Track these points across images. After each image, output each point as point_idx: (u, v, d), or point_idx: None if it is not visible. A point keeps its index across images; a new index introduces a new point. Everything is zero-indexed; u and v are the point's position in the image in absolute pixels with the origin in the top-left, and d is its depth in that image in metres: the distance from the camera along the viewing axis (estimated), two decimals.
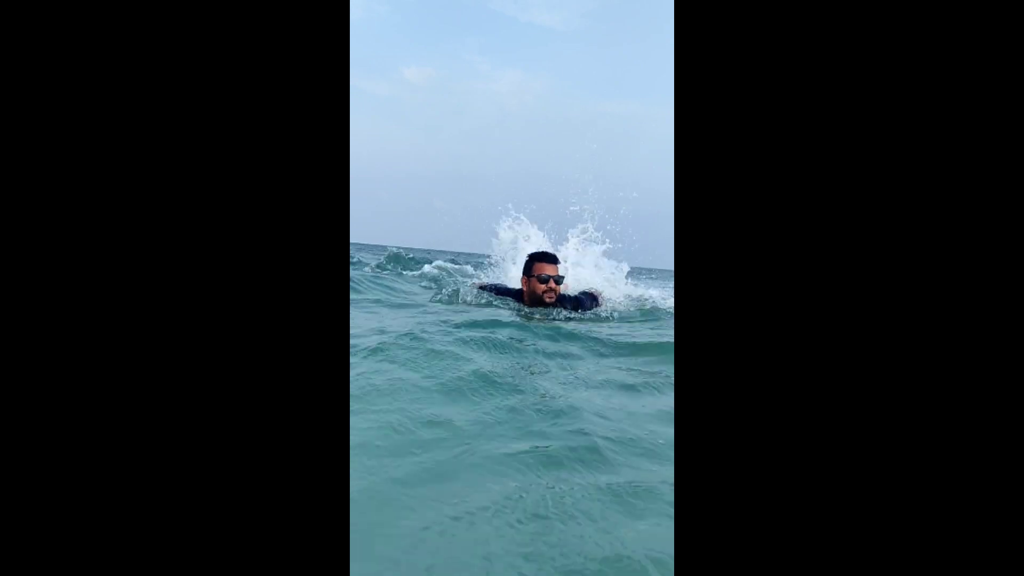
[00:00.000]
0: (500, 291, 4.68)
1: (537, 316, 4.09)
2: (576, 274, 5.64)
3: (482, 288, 4.85)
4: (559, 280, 4.28)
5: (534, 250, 4.74)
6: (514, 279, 5.49)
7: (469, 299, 4.69)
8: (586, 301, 4.51)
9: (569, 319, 4.08)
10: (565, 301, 4.38)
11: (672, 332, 3.68)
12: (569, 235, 6.20)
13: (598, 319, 4.29)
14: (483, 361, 2.61)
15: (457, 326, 3.35)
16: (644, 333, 3.80)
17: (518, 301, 4.47)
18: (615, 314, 4.47)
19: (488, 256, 6.47)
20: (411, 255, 10.93)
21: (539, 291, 4.24)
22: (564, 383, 2.38)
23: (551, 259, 4.35)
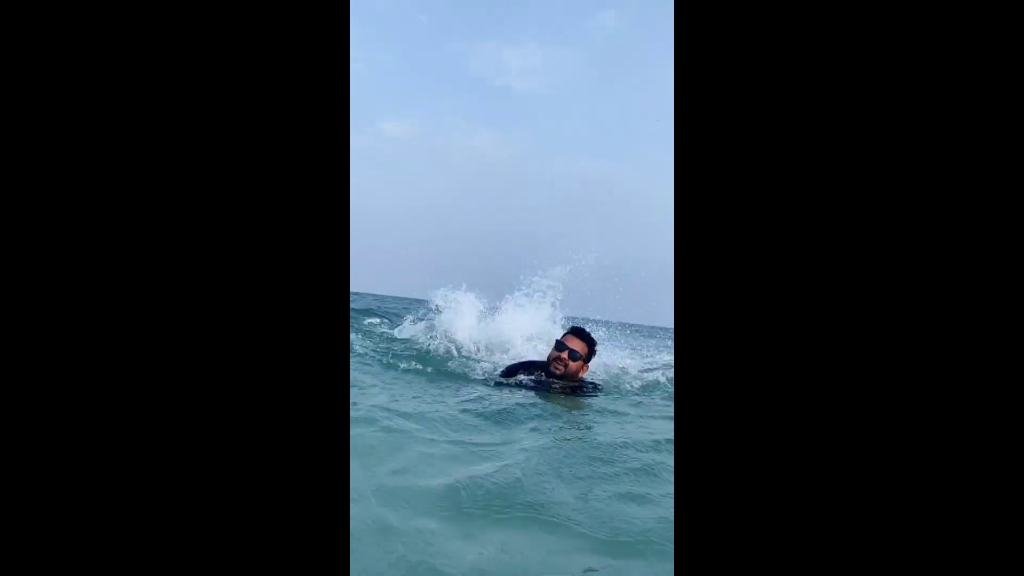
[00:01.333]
0: (524, 365, 4.24)
1: (556, 386, 3.84)
2: (515, 323, 5.52)
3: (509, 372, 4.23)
4: (574, 356, 3.91)
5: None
6: (462, 328, 5.41)
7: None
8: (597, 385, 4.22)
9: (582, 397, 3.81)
10: (583, 386, 4.02)
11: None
12: (511, 297, 5.99)
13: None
14: None
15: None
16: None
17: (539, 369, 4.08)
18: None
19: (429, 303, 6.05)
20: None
21: (551, 359, 3.95)
22: None
23: (574, 332, 4.03)
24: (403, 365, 4.25)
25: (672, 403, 3.58)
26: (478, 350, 5.26)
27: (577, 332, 4.04)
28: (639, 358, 5.55)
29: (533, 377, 3.97)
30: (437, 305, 5.91)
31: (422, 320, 6.05)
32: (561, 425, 2.80)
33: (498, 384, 3.94)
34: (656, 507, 1.66)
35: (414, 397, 3.15)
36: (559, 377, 3.89)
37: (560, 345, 3.95)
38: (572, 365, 3.90)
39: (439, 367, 4.38)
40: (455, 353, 4.95)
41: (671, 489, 1.78)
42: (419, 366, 4.28)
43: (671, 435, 2.54)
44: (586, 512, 1.56)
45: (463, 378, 4.08)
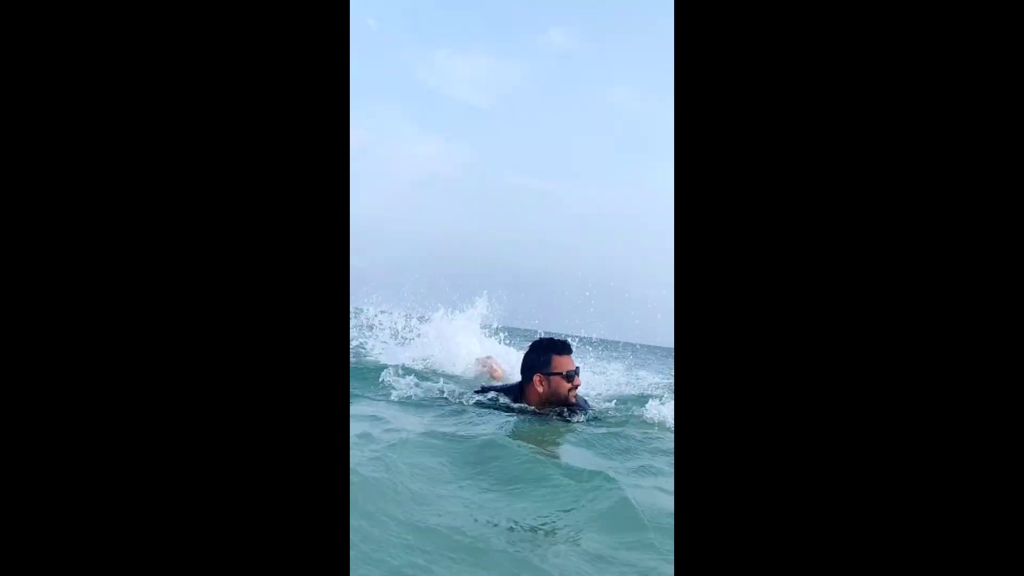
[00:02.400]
0: (486, 389, 3.70)
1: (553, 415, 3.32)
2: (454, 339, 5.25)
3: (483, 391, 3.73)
4: (577, 371, 3.42)
5: (536, 338, 3.80)
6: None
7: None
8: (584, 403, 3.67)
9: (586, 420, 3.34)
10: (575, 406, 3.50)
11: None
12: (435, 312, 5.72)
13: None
14: None
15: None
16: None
17: (517, 400, 3.49)
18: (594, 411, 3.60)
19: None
20: None
21: (564, 391, 3.32)
22: None
23: (568, 349, 3.42)
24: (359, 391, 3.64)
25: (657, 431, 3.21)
26: (424, 370, 4.79)
27: (566, 348, 3.41)
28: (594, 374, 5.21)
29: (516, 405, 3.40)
30: (371, 322, 5.57)
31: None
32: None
33: (479, 404, 3.47)
34: None
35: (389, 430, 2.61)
36: (566, 405, 3.34)
37: (571, 374, 3.32)
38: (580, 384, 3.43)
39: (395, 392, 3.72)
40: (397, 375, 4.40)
41: None
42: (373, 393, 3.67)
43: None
44: None
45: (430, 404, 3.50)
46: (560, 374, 3.33)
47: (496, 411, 3.38)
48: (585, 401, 3.57)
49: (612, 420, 3.43)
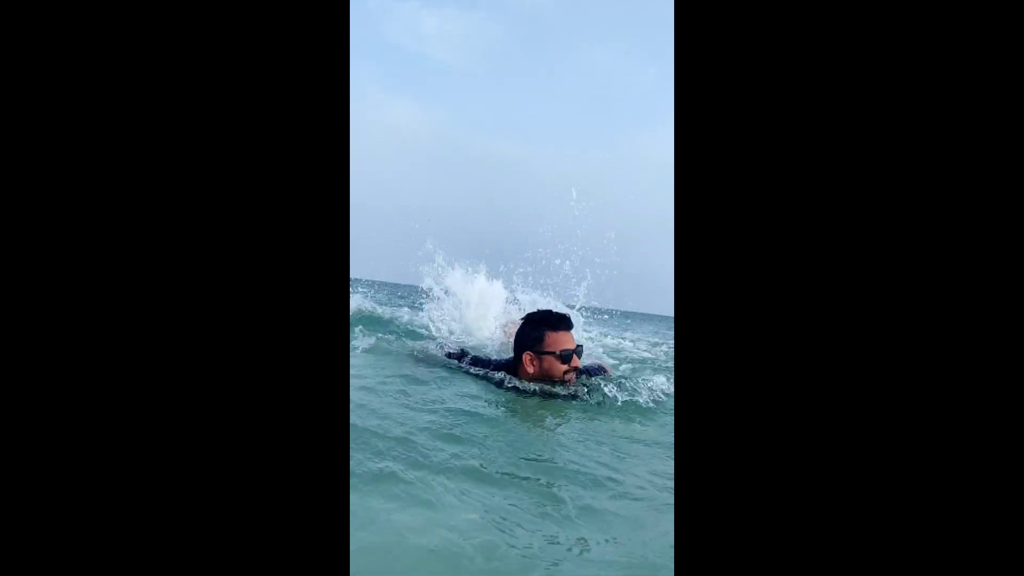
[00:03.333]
0: (480, 362, 3.16)
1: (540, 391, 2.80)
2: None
3: (452, 356, 3.30)
4: (580, 352, 2.89)
5: (522, 308, 3.51)
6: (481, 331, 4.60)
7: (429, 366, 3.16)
8: (596, 371, 3.14)
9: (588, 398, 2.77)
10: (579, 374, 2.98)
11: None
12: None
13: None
14: None
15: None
16: None
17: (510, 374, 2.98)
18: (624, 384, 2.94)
19: (423, 288, 5.26)
20: None
21: (558, 373, 2.79)
22: None
23: (567, 324, 2.87)
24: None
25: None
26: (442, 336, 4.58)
27: (563, 323, 2.86)
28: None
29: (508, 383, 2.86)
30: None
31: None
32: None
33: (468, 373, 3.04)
34: None
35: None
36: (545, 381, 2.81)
37: (567, 354, 2.78)
38: (579, 364, 2.87)
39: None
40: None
41: None
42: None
43: None
44: None
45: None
46: (553, 353, 2.78)
47: (477, 380, 2.93)
48: (596, 379, 2.94)
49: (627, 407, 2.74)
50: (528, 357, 2.83)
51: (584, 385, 2.84)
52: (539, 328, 2.86)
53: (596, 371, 3.11)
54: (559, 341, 2.81)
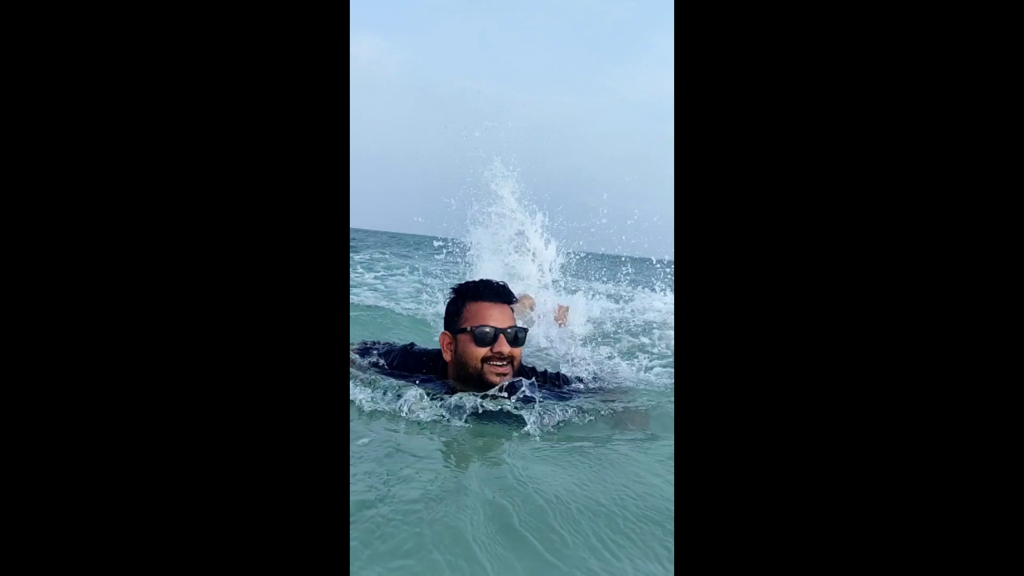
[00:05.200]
0: (398, 362, 2.34)
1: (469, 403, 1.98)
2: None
3: (364, 352, 2.44)
4: (518, 338, 2.09)
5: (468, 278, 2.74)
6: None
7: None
8: (569, 381, 2.29)
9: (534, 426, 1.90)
10: (525, 377, 2.11)
11: None
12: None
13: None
14: None
15: None
16: None
17: (440, 378, 2.22)
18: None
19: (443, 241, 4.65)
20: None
21: (474, 360, 2.05)
22: None
23: (495, 294, 2.11)
24: None
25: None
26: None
27: (491, 291, 2.11)
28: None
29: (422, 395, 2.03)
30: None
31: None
32: None
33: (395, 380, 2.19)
34: None
35: None
36: (490, 386, 2.03)
37: (487, 335, 2.02)
38: (516, 355, 2.08)
39: None
40: None
41: None
42: None
43: None
44: None
45: None
46: (466, 330, 2.04)
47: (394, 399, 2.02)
48: (549, 384, 2.19)
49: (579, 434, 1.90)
50: (445, 339, 2.13)
51: (520, 399, 1.98)
52: (458, 299, 2.14)
53: (569, 381, 2.28)
54: (478, 314, 2.04)
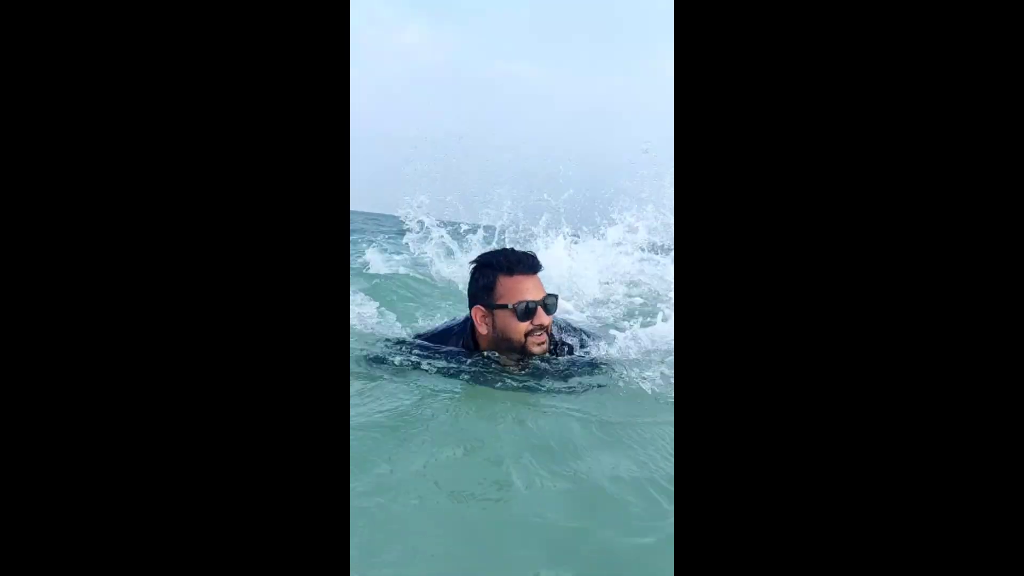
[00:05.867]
0: (434, 337, 2.33)
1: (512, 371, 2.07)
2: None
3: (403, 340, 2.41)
4: (551, 307, 2.09)
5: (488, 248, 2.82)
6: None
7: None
8: (589, 343, 2.31)
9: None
10: (559, 347, 2.21)
11: None
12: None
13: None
14: None
15: None
16: None
17: (475, 350, 2.19)
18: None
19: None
20: None
21: (517, 335, 2.05)
22: None
23: (528, 265, 2.08)
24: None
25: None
26: None
27: (525, 263, 2.07)
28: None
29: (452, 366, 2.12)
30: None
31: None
32: None
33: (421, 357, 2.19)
34: None
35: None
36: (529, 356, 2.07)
37: (529, 307, 2.02)
38: (550, 325, 2.11)
39: None
40: None
41: None
42: None
43: None
44: None
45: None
46: (506, 307, 2.03)
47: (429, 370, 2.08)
48: (583, 347, 2.24)
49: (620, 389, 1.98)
50: (479, 314, 2.10)
51: (560, 363, 2.09)
52: (489, 273, 2.07)
53: (589, 336, 2.33)
54: (516, 289, 2.02)
